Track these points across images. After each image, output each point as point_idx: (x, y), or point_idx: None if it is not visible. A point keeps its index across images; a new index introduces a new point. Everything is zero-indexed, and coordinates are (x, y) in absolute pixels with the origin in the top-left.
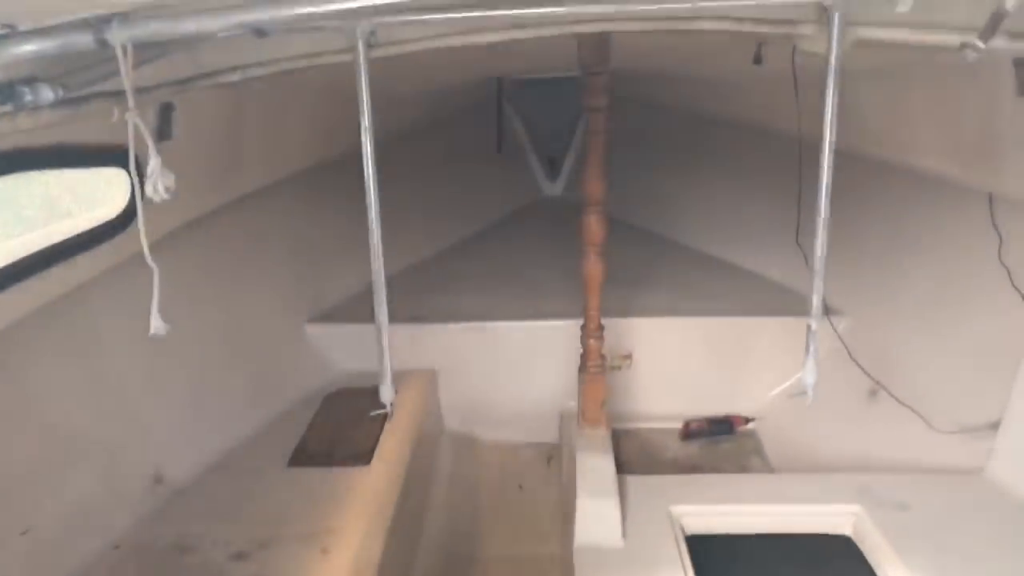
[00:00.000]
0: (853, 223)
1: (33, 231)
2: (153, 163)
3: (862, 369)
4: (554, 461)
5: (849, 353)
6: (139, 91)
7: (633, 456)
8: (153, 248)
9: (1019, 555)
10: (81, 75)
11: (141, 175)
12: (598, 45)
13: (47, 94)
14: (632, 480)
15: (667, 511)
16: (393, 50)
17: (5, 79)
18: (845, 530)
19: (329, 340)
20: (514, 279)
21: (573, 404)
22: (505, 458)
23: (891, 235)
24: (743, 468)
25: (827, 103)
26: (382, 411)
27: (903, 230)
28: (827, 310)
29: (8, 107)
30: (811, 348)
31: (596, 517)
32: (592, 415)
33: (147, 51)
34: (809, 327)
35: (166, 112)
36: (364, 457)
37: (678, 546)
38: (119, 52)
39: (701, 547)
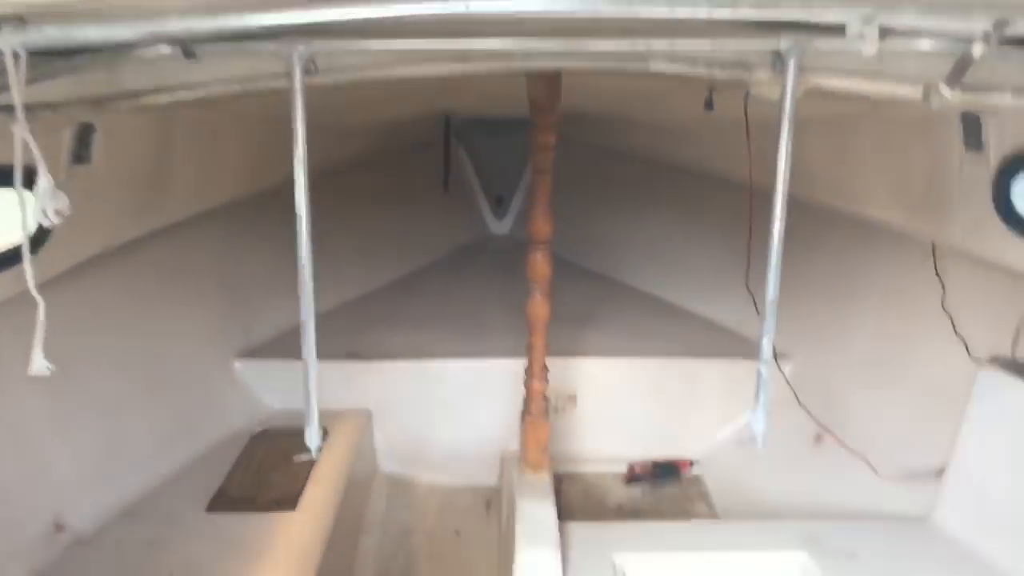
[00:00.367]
0: (800, 268)
1: None
2: (42, 184)
3: (809, 414)
4: (493, 506)
5: (797, 398)
6: (47, 107)
7: (576, 501)
8: (69, 275)
9: None
10: None
11: None
12: (548, 83)
13: None
14: (574, 527)
15: (610, 560)
16: (332, 78)
17: None
18: None
19: (258, 377)
20: (457, 316)
21: (514, 446)
22: (442, 502)
23: (837, 280)
24: (688, 513)
25: (781, 148)
26: (307, 457)
27: (849, 276)
28: (775, 354)
29: None
30: (761, 396)
31: (536, 568)
32: (534, 460)
33: (54, 64)
34: (759, 373)
35: (85, 133)
36: (289, 502)
37: None
38: (8, 59)
39: None
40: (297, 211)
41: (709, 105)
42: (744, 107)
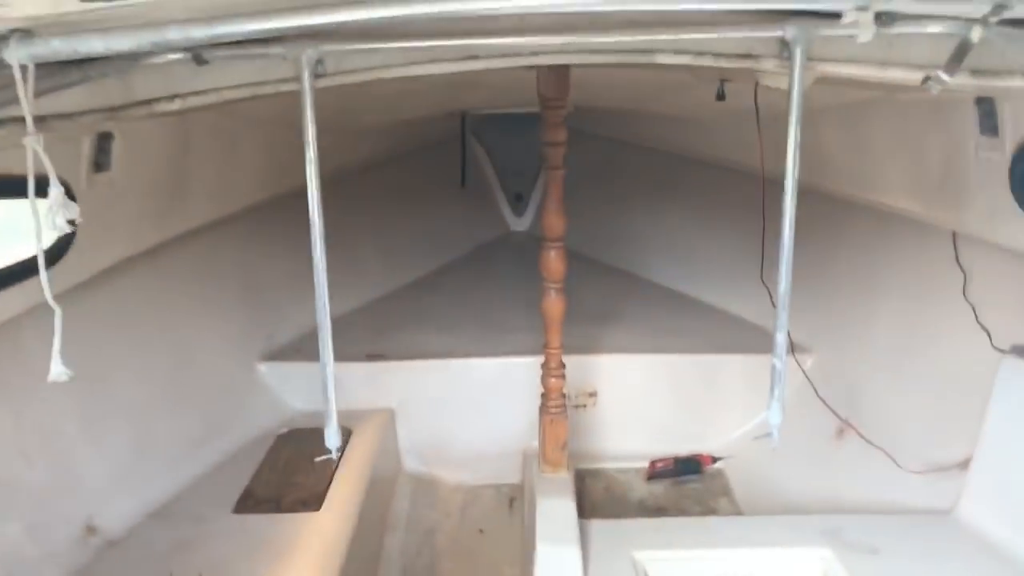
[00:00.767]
0: (818, 259)
1: None
2: (53, 194)
3: (829, 408)
4: (517, 503)
5: (816, 392)
6: (62, 117)
7: (598, 497)
8: (93, 283)
9: None
10: None
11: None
12: (557, 78)
13: None
14: (595, 525)
15: (631, 557)
16: (341, 79)
17: None
18: (815, 574)
19: (281, 379)
20: (478, 315)
21: (536, 443)
22: (465, 500)
23: (856, 271)
24: (711, 509)
25: (790, 138)
26: (327, 457)
27: (868, 267)
28: (793, 348)
29: None
30: (776, 389)
31: (556, 566)
32: (553, 457)
33: (67, 75)
34: (774, 367)
35: (104, 141)
36: (314, 503)
37: None
38: (16, 72)
39: None
40: (311, 213)
41: (721, 96)
42: (755, 97)
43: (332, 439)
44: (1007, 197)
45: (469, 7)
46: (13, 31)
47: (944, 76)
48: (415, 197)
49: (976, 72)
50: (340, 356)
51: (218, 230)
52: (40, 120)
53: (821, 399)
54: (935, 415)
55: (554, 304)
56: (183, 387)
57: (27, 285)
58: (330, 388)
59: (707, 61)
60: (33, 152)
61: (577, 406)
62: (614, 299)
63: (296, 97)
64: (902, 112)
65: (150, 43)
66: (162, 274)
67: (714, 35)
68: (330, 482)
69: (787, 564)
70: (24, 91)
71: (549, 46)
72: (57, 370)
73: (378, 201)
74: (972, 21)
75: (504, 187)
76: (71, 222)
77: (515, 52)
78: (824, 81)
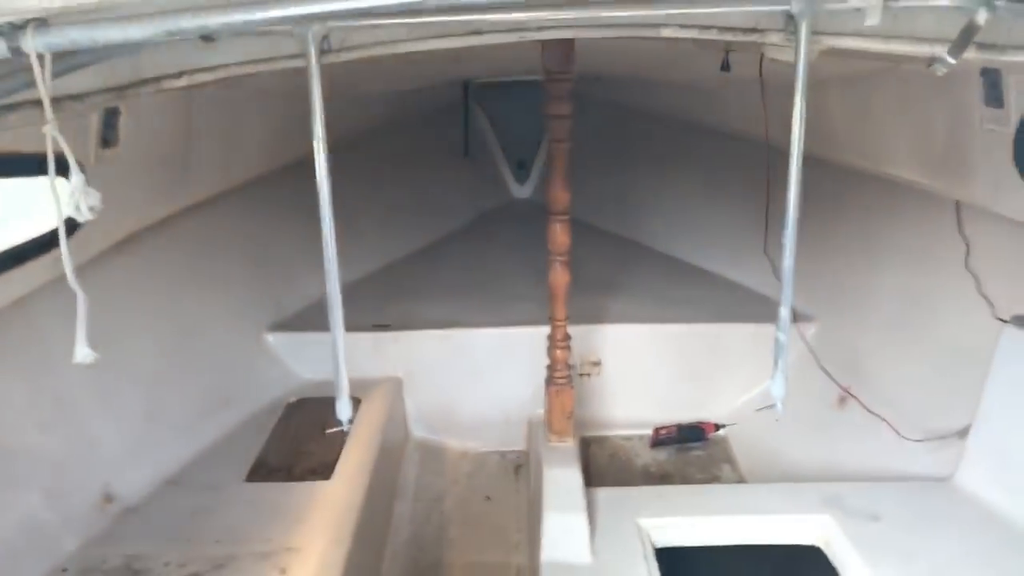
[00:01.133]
0: (821, 228)
1: None
2: (75, 181)
3: (830, 377)
4: (522, 470)
5: (818, 361)
6: (73, 98)
7: (603, 465)
8: (103, 256)
9: (988, 563)
10: (3, 83)
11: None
12: (562, 51)
13: None
14: (600, 493)
15: (635, 524)
16: (347, 55)
17: None
18: (815, 540)
19: (290, 348)
20: (482, 284)
21: (542, 410)
22: (472, 467)
23: (859, 241)
24: (714, 476)
25: (795, 112)
26: (339, 428)
27: (871, 236)
28: (796, 316)
29: None
30: (780, 362)
31: (563, 533)
32: (559, 427)
33: (78, 56)
34: (777, 340)
35: (111, 117)
36: (325, 471)
37: (647, 560)
38: (34, 61)
39: (670, 560)
40: (319, 190)
41: (726, 67)
42: (759, 69)
43: (344, 411)
44: (1010, 168)
45: None
46: (30, 20)
47: (949, 59)
48: (418, 165)
49: (982, 47)
50: (347, 326)
51: (224, 201)
52: (53, 102)
53: (823, 368)
54: (935, 384)
55: (559, 276)
56: (193, 357)
57: (40, 261)
58: (341, 362)
59: (712, 35)
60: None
61: (582, 375)
62: (618, 268)
63: (301, 70)
64: (907, 82)
65: (165, 31)
66: (170, 246)
67: (720, 8)
68: (340, 451)
69: (789, 531)
70: (43, 80)
71: (555, 20)
72: (83, 352)
73: (381, 170)
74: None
75: (507, 154)
76: (92, 208)
77: (520, 27)
78: (829, 52)
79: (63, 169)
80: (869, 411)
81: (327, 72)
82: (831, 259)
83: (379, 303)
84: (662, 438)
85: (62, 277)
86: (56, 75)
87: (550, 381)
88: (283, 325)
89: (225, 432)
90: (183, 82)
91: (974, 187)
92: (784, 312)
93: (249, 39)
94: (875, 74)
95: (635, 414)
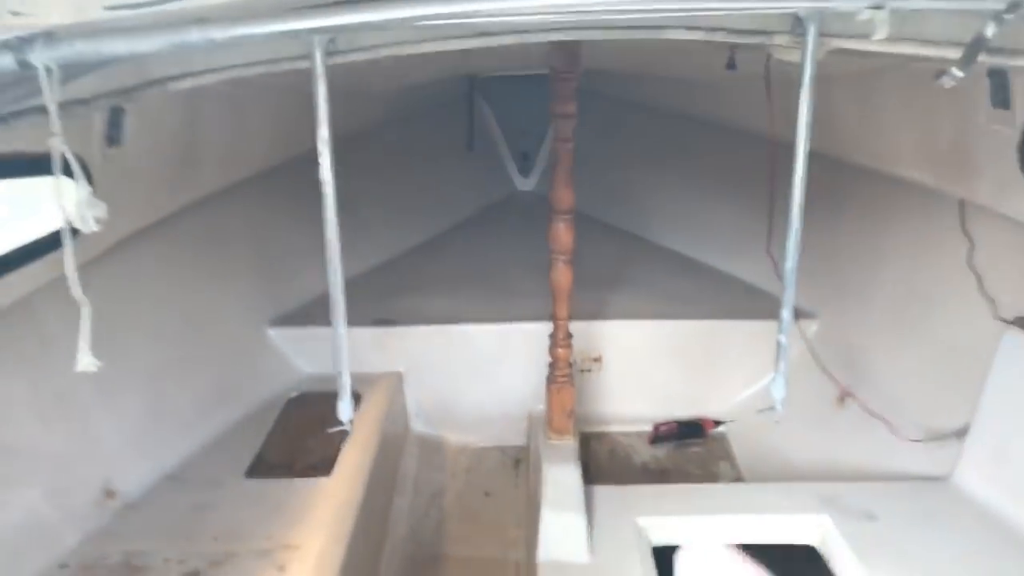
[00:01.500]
0: (824, 225)
1: None
2: (80, 193)
3: (831, 377)
4: (522, 465)
5: (818, 361)
6: (79, 103)
7: (602, 461)
8: (108, 253)
9: (984, 564)
10: (10, 91)
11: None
12: (567, 51)
13: None
14: (599, 491)
15: (634, 523)
16: (355, 56)
17: None
18: (811, 540)
19: (292, 343)
20: (485, 278)
21: (542, 406)
22: (472, 462)
23: (862, 238)
24: (712, 473)
25: (801, 116)
26: (340, 427)
27: (874, 234)
28: (797, 314)
29: None
30: (781, 364)
31: (561, 532)
32: (559, 425)
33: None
34: (779, 342)
35: (116, 116)
36: (325, 467)
37: (643, 560)
38: (42, 75)
39: (667, 559)
40: (324, 193)
41: (732, 65)
42: (766, 69)
43: (345, 411)
44: (1015, 170)
45: None
46: (38, 35)
47: (958, 73)
48: (422, 159)
49: (991, 51)
50: (349, 321)
51: (228, 196)
52: (59, 107)
53: (823, 369)
54: (935, 383)
55: (562, 275)
56: (195, 352)
57: (44, 260)
58: (344, 362)
59: (719, 37)
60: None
61: (582, 371)
62: (620, 262)
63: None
64: (913, 81)
65: (171, 44)
66: (174, 242)
67: (727, 10)
68: (340, 447)
69: (786, 530)
70: (50, 94)
71: (561, 23)
72: (86, 360)
73: (384, 163)
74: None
75: (511, 146)
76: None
77: (526, 29)
78: (836, 52)
79: (69, 169)
80: (868, 411)
81: (332, 70)
82: (833, 256)
83: (381, 298)
84: (661, 434)
85: (62, 274)
86: (62, 81)
87: (551, 379)
88: (285, 319)
89: (226, 427)
90: (188, 83)
91: (979, 187)
92: (786, 315)
93: (254, 42)
94: (881, 72)
95: (635, 410)
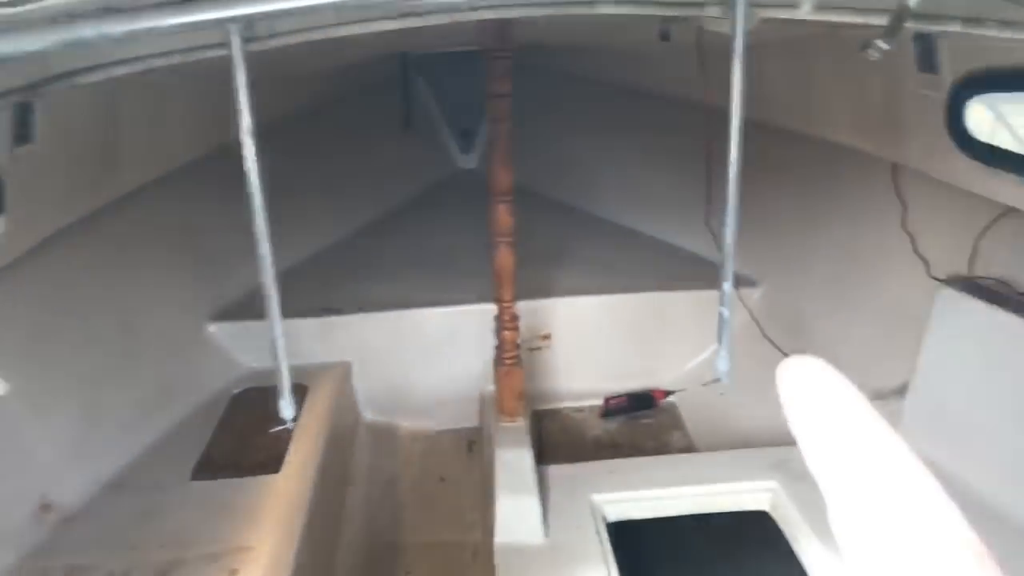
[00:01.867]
0: (761, 193)
1: None
2: None
3: (773, 344)
4: (476, 448)
5: (761, 330)
6: None
7: (555, 438)
8: (30, 256)
9: None
10: None
11: None
12: (499, 28)
13: None
14: (553, 471)
15: (588, 500)
16: (275, 43)
17: None
18: (763, 506)
19: (233, 338)
20: (430, 260)
21: (492, 387)
22: (425, 448)
23: (800, 204)
24: (664, 443)
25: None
26: (283, 427)
27: (812, 199)
28: (739, 282)
29: None
30: (723, 337)
31: (516, 515)
32: (509, 407)
33: None
34: (720, 315)
35: (24, 114)
36: (274, 464)
37: (599, 536)
38: None
39: (623, 534)
40: (249, 184)
41: (664, 37)
42: (698, 40)
43: (287, 410)
44: (943, 133)
45: None
46: None
47: (883, 45)
48: (359, 140)
49: (916, 17)
50: (292, 311)
51: (156, 190)
52: None
53: (766, 337)
54: (875, 344)
55: (505, 258)
56: (131, 353)
57: None
58: (282, 357)
59: (650, 10)
60: None
61: (532, 349)
62: (565, 238)
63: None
64: (844, 47)
65: (62, 42)
66: (100, 240)
67: None
68: (288, 442)
69: (738, 497)
70: None
71: (489, 2)
72: None
73: (320, 147)
74: None
75: (450, 124)
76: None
77: (453, 8)
78: (767, 21)
79: None
80: None
81: (255, 55)
82: (772, 223)
83: (325, 285)
84: (612, 408)
85: None
86: None
87: (499, 362)
88: (225, 314)
89: (168, 429)
90: (98, 76)
91: (909, 150)
92: (726, 287)
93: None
94: (813, 39)
95: (586, 385)
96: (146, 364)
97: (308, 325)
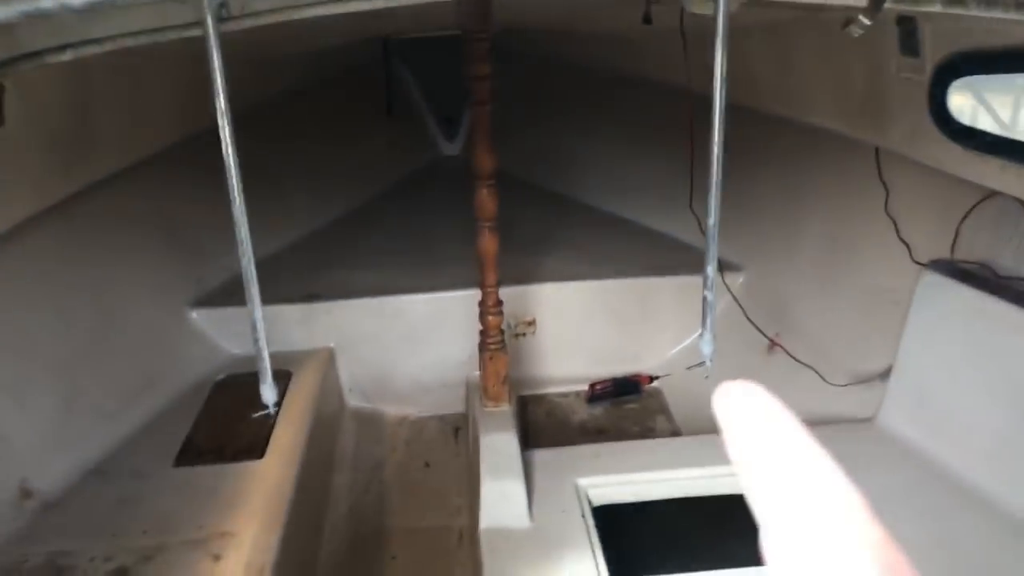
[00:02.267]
0: (745, 177)
1: None
2: None
3: (757, 328)
4: (462, 433)
5: (745, 314)
6: None
7: (540, 423)
8: (3, 241)
9: (907, 499)
10: None
11: None
12: (478, 8)
13: None
14: (538, 455)
15: (574, 484)
16: (249, 22)
17: None
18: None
19: (215, 324)
20: (414, 247)
21: (478, 373)
22: (411, 433)
23: (784, 189)
24: (649, 428)
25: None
26: (265, 412)
27: (795, 184)
28: (723, 267)
29: None
30: (707, 320)
31: (501, 499)
32: (494, 392)
33: None
34: (705, 299)
35: None
36: (257, 450)
37: (585, 520)
38: None
39: (607, 518)
40: (227, 172)
41: (647, 19)
42: (680, 23)
43: (268, 394)
44: (925, 116)
45: None
46: None
47: (865, 21)
48: (342, 126)
49: None
50: (274, 298)
51: (134, 174)
52: None
53: (750, 320)
54: (858, 328)
55: (488, 242)
56: (111, 340)
57: None
58: (262, 342)
59: None
60: None
61: (517, 335)
62: (549, 224)
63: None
64: (826, 30)
65: (22, 13)
66: (77, 226)
67: None
68: (272, 428)
69: (721, 480)
70: None
71: None
72: None
73: (302, 133)
74: None
75: (434, 111)
76: None
77: None
78: (749, 3)
79: None
80: (795, 359)
81: (237, 36)
82: (756, 207)
83: (308, 272)
84: (598, 393)
85: None
86: None
87: (483, 347)
88: (207, 300)
89: (150, 416)
90: (68, 56)
91: (892, 134)
92: (710, 271)
93: (138, 8)
94: (795, 23)
95: (571, 371)
96: (126, 351)
97: (291, 311)
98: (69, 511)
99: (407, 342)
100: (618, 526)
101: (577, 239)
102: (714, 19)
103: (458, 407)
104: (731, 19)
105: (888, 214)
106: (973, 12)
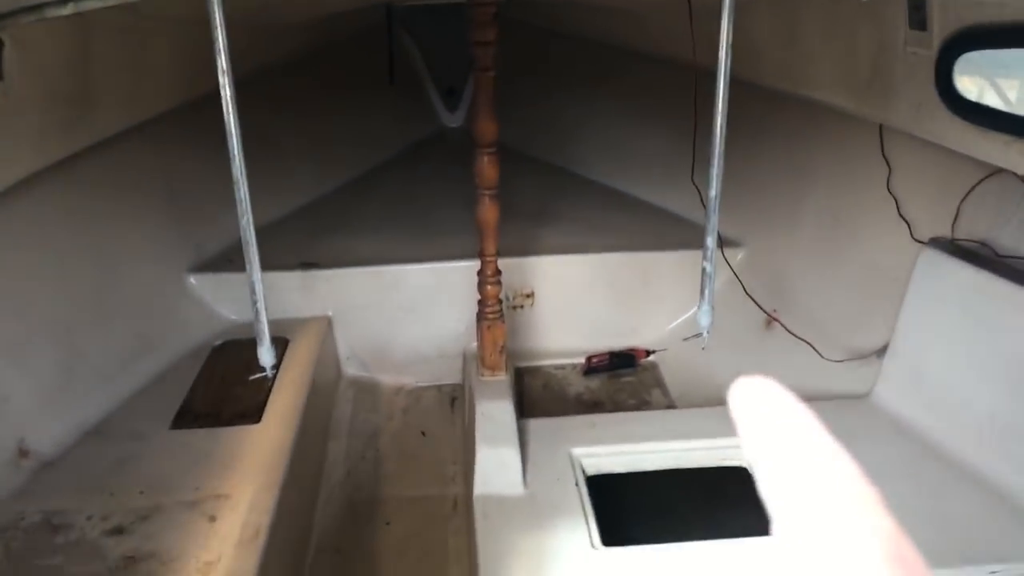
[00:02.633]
0: (747, 152)
1: None
2: None
3: (756, 303)
4: (458, 403)
5: (744, 289)
6: None
7: (536, 394)
8: (2, 199)
9: (901, 474)
10: None
11: None
12: None
13: None
14: (533, 424)
15: (568, 453)
16: None
17: None
18: (741, 462)
19: (214, 289)
20: (414, 217)
21: (476, 345)
22: (407, 403)
23: (786, 164)
24: (645, 401)
25: (721, 42)
26: (262, 375)
27: (797, 160)
28: (723, 242)
29: None
30: (706, 292)
31: (496, 466)
32: (491, 361)
33: None
34: (703, 270)
35: None
36: (254, 414)
37: (578, 488)
38: None
39: (601, 487)
40: (227, 129)
41: None
42: None
43: (266, 357)
44: (932, 92)
45: None
46: None
47: None
48: (344, 95)
49: None
50: (272, 264)
51: (135, 138)
52: None
53: (749, 295)
54: (857, 305)
55: (488, 211)
56: (110, 302)
57: None
58: (260, 304)
59: None
60: None
61: (514, 307)
62: (549, 196)
63: None
64: (833, 5)
65: None
66: (77, 187)
67: None
68: (269, 393)
69: (716, 453)
70: None
71: None
72: None
73: (304, 100)
74: None
75: (436, 81)
76: None
77: None
78: None
79: None
80: (793, 334)
81: (235, 2)
82: (757, 183)
83: (307, 239)
84: (594, 366)
85: None
86: None
87: (481, 316)
88: (205, 265)
89: (148, 379)
90: (68, 10)
91: (897, 110)
92: (710, 242)
93: None
94: None
95: (568, 343)
96: (125, 313)
97: (289, 278)
98: (66, 471)
99: (405, 312)
100: (611, 495)
101: (577, 212)
102: None
103: (455, 378)
104: None
105: (890, 191)
106: None
